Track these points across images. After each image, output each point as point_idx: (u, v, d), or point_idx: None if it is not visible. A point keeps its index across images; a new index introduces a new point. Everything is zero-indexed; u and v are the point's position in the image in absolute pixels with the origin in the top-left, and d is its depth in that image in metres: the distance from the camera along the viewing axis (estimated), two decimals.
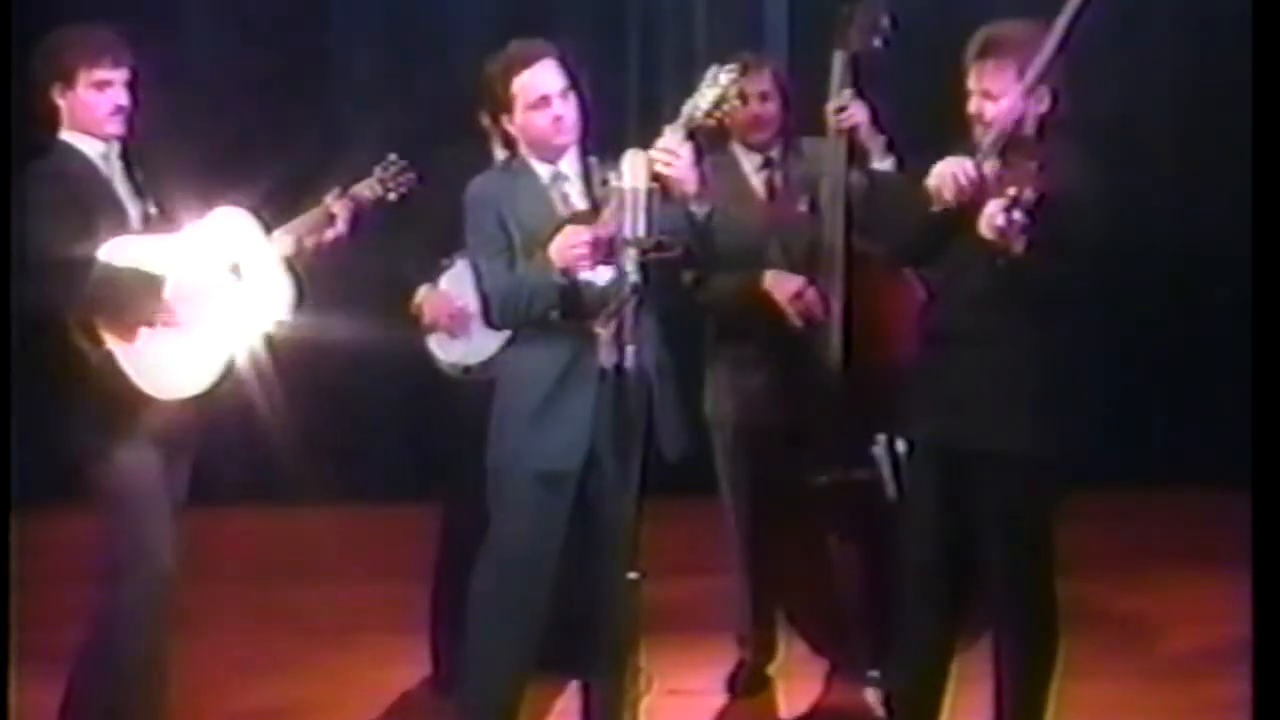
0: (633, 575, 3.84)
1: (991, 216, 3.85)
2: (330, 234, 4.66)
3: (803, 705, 4.95)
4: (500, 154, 4.53)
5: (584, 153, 4.26)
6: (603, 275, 4.07)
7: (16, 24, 4.65)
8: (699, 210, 4.10)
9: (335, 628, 5.55)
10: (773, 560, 4.89)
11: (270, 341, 4.42)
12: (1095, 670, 4.72)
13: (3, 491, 4.68)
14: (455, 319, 4.82)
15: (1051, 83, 3.98)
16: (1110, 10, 3.93)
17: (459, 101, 4.69)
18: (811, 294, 4.67)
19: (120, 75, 4.26)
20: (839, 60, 4.59)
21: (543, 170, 4.24)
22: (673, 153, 3.99)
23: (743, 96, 4.41)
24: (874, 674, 4.79)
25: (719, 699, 4.98)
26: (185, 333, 4.22)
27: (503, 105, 4.20)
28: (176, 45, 6.67)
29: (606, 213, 4.02)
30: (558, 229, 4.12)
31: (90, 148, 4.27)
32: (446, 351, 4.87)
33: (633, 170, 3.84)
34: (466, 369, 4.80)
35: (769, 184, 4.84)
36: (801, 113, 4.81)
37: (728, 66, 4.17)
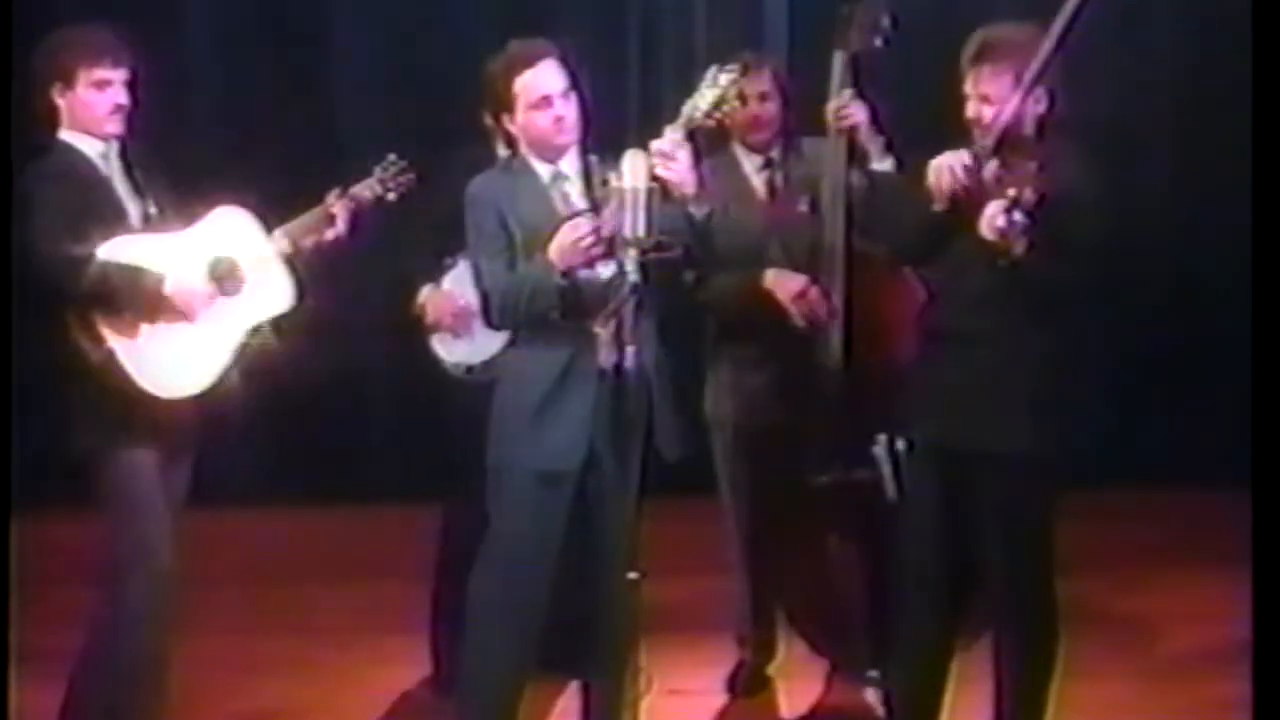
0: (633, 575, 3.85)
1: (992, 218, 3.85)
2: (330, 234, 4.65)
3: (803, 705, 4.95)
4: (503, 153, 4.53)
5: (584, 153, 4.26)
6: (603, 271, 4.07)
7: (16, 24, 4.65)
8: (698, 211, 4.10)
9: (335, 628, 5.54)
10: (773, 560, 4.89)
11: (270, 341, 4.42)
12: (1095, 670, 4.72)
13: (3, 492, 4.68)
14: (458, 319, 4.81)
15: (1049, 83, 3.98)
16: (1109, 10, 3.93)
17: (461, 101, 4.69)
18: (815, 293, 4.66)
19: (120, 75, 4.26)
20: (839, 60, 4.58)
21: (543, 170, 4.24)
22: (668, 155, 4.00)
23: (742, 97, 4.41)
24: (874, 674, 4.79)
25: (719, 699, 4.98)
26: (186, 332, 4.23)
27: (504, 105, 4.21)
28: (176, 45, 6.66)
29: (606, 213, 4.03)
30: (558, 229, 4.12)
31: (90, 147, 4.27)
32: (450, 351, 4.86)
33: (633, 170, 3.85)
34: (469, 369, 4.79)
35: (769, 184, 4.84)
36: (801, 113, 4.81)
37: (728, 67, 4.17)
